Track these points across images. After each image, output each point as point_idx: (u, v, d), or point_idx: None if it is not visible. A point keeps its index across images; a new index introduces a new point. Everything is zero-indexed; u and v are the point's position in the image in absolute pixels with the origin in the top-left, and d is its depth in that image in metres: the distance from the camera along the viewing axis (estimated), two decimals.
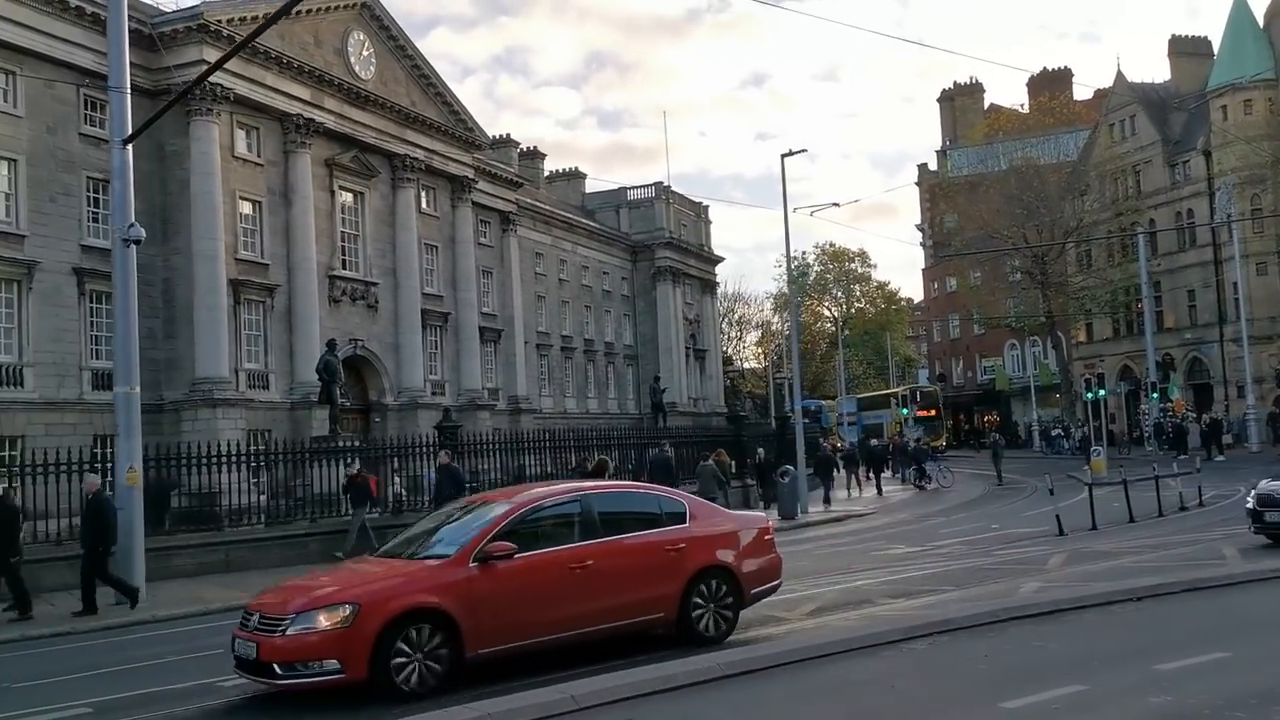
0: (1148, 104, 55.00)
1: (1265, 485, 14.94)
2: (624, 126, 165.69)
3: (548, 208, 55.63)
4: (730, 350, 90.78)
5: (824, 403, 76.09)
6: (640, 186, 64.32)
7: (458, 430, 22.36)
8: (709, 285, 71.29)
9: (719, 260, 71.52)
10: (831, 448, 41.98)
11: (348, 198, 36.61)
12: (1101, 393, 36.59)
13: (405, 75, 38.95)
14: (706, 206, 69.40)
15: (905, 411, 61.94)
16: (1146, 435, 47.86)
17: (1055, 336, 55.15)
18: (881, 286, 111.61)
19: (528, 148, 60.32)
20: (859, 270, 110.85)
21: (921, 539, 19.56)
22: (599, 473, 20.82)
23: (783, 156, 28.57)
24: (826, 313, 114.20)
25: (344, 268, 36.07)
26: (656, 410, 45.87)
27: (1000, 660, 8.42)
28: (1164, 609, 10.35)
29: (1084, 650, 8.53)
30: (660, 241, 63.05)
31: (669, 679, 7.83)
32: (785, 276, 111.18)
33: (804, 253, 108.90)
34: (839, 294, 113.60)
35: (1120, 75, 55.91)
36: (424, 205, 40.28)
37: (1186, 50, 55.18)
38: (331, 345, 28.16)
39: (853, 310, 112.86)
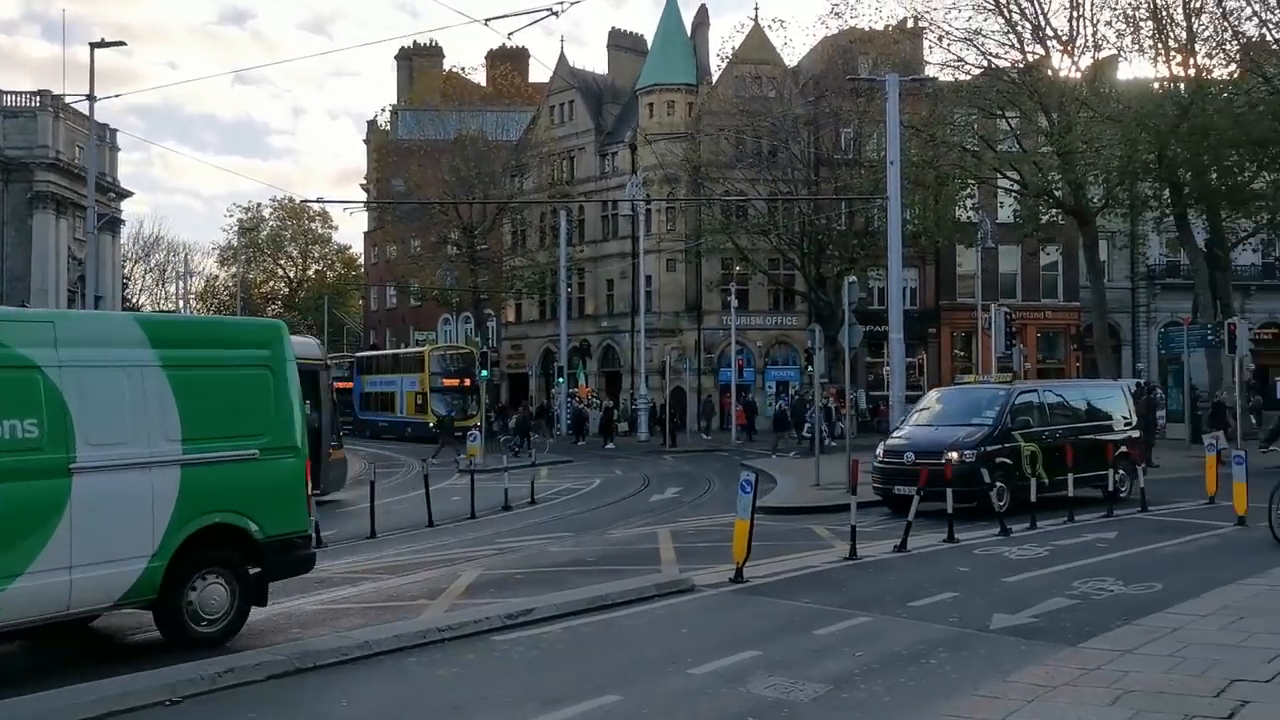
0: (586, 92, 55.41)
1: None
2: (75, 42, 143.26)
3: None
4: (145, 300, 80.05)
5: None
6: (20, 93, 53.05)
7: None
8: (113, 222, 61.18)
9: (126, 194, 61.77)
10: None
11: None
12: (484, 374, 34.94)
13: None
14: (115, 131, 59.35)
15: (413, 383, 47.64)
16: (557, 419, 47.90)
17: (481, 313, 53.80)
18: (343, 250, 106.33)
19: None
20: (319, 231, 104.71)
21: None
22: None
23: (92, 46, 22.48)
24: (281, 271, 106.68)
25: None
26: None
27: None
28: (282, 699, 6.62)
29: None
30: (42, 162, 52.41)
31: None
32: (236, 228, 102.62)
33: (259, 205, 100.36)
34: (295, 253, 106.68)
35: (563, 59, 55.76)
36: None
37: (624, 45, 56.38)
38: None
39: (310, 272, 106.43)
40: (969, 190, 39.45)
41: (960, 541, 13.65)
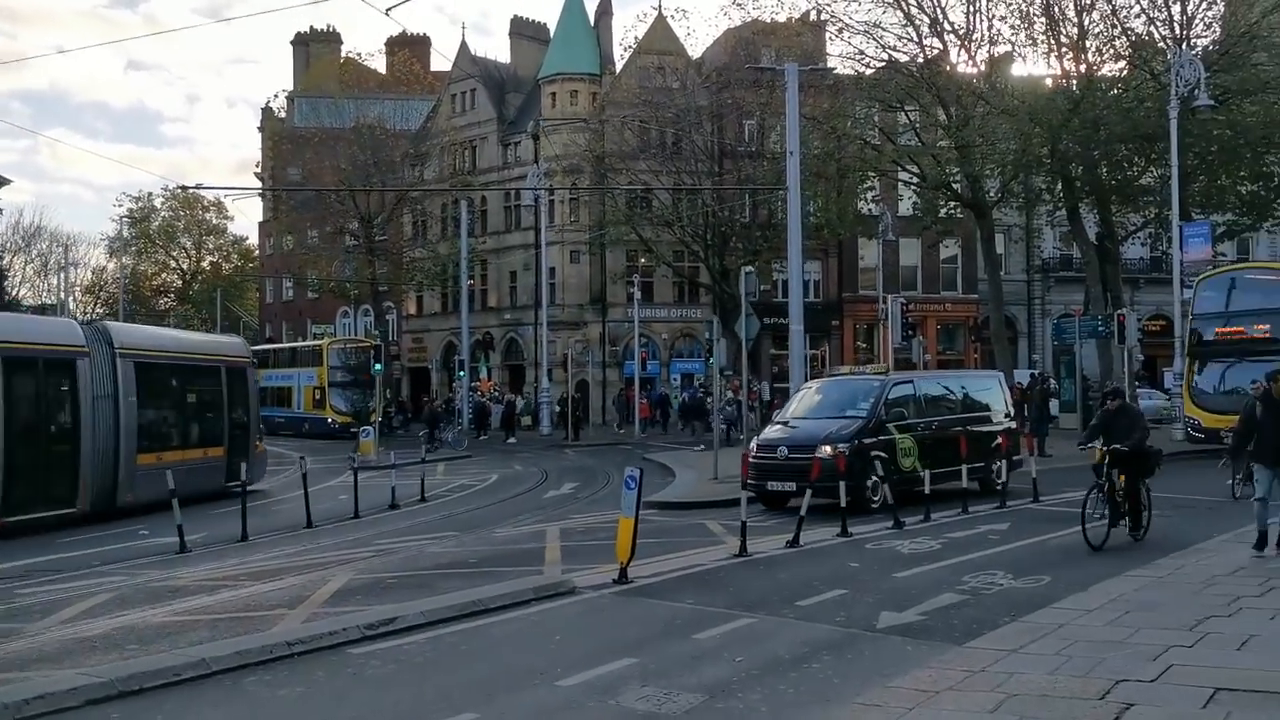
0: (488, 80, 54.42)
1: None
2: None
3: None
4: (26, 292, 76.49)
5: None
6: None
7: None
8: None
9: (4, 182, 58.64)
10: None
11: None
12: (378, 368, 33.91)
13: None
14: None
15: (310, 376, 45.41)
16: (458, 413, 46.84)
17: (381, 306, 52.48)
18: (239, 241, 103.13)
19: None
20: (214, 221, 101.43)
21: None
22: None
23: None
24: (174, 263, 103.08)
25: None
26: None
27: None
28: None
29: None
30: None
31: None
32: (125, 219, 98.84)
33: (150, 194, 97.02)
34: (189, 245, 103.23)
35: (464, 47, 54.69)
36: None
37: (527, 34, 55.50)
38: None
39: (205, 264, 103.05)
40: (869, 183, 39.63)
41: (854, 535, 13.38)
